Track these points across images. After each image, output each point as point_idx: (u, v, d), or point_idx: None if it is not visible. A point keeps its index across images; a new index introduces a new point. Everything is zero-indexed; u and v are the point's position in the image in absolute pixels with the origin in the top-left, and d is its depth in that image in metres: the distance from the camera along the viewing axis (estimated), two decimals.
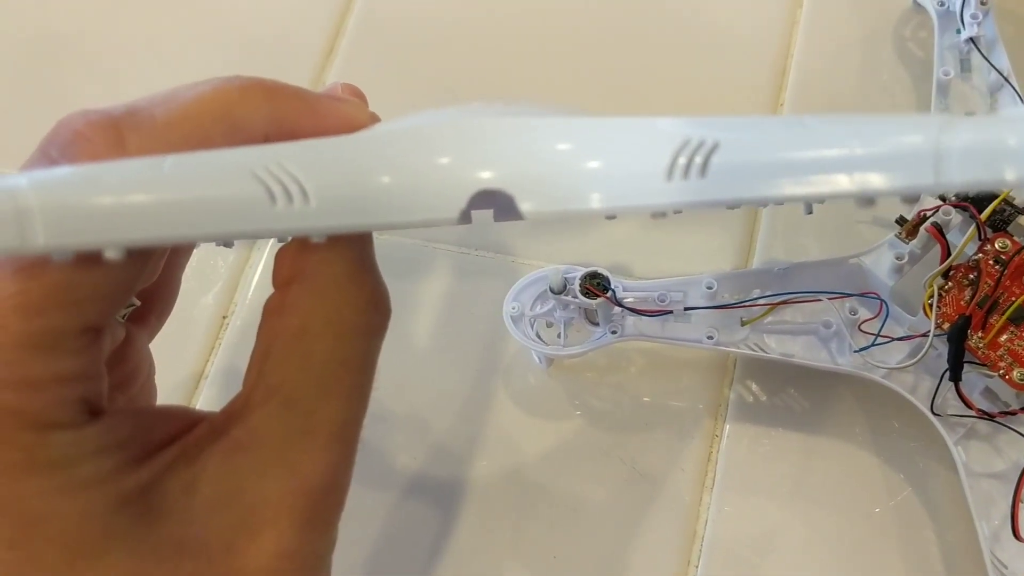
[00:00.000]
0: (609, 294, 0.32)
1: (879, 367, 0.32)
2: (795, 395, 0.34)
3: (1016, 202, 0.33)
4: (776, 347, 0.33)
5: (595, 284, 0.32)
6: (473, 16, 0.43)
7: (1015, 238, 0.33)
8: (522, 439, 0.35)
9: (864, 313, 0.33)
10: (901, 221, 0.34)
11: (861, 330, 0.33)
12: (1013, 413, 0.32)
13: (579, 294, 0.32)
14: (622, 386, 0.35)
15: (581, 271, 0.33)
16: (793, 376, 0.35)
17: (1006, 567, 0.30)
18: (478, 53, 0.42)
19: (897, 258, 0.33)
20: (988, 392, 0.32)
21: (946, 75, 0.37)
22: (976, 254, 0.33)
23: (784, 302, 0.33)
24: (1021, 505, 0.30)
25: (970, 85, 0.37)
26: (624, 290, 0.33)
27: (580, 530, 0.33)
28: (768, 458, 0.34)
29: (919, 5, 0.40)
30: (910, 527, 0.32)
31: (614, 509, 0.33)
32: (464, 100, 0.22)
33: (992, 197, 0.33)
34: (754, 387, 0.35)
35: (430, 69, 0.42)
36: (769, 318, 0.34)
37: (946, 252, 0.32)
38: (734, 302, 0.33)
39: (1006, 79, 0.36)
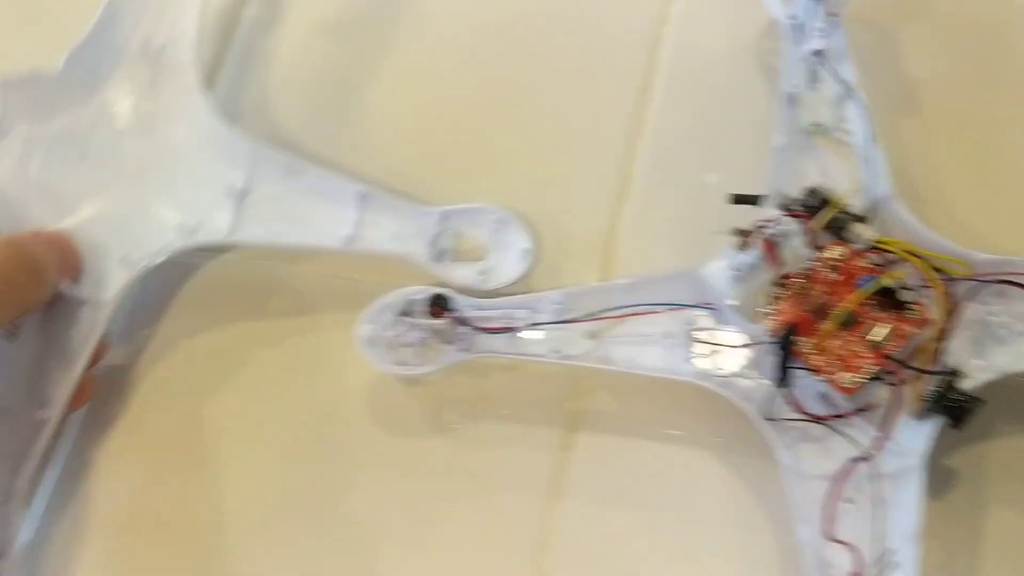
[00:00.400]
0: (455, 314, 0.34)
1: (716, 375, 0.33)
2: (645, 405, 0.35)
3: (852, 210, 0.34)
4: (622, 359, 0.34)
5: (440, 305, 0.34)
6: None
7: (851, 245, 0.34)
8: (384, 460, 0.36)
9: (705, 323, 0.34)
10: (739, 232, 0.35)
11: (700, 340, 0.34)
12: (843, 416, 0.32)
13: (424, 316, 0.34)
14: (482, 401, 0.36)
15: (430, 292, 0.34)
16: (644, 387, 0.35)
17: (832, 566, 0.31)
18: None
19: (734, 268, 0.34)
20: (823, 396, 0.33)
21: (795, 88, 0.38)
22: (811, 261, 0.34)
23: (625, 315, 0.34)
24: (844, 506, 0.31)
25: (820, 97, 0.38)
26: (473, 308, 0.34)
27: (433, 547, 0.34)
28: (618, 468, 0.35)
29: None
30: (750, 531, 0.33)
31: (468, 524, 0.34)
32: None
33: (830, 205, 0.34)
34: (606, 398, 0.36)
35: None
36: (615, 331, 0.35)
37: (777, 262, 0.33)
38: (578, 317, 0.35)
39: (851, 92, 0.37)
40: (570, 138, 0.41)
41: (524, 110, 0.42)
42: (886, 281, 0.32)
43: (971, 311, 0.33)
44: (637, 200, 0.40)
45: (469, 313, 0.34)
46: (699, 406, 0.35)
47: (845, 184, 0.36)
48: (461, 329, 0.34)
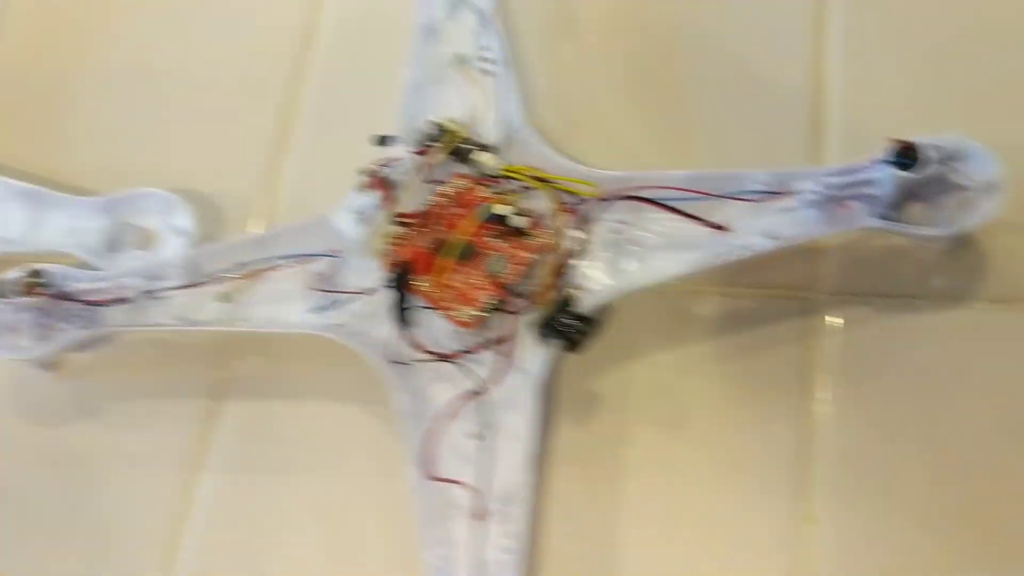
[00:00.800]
0: (52, 290, 0.32)
1: (345, 326, 0.32)
2: (293, 364, 0.34)
3: (478, 139, 0.33)
4: (258, 318, 0.33)
5: (36, 282, 0.32)
6: None
7: (477, 176, 0.33)
8: (26, 449, 0.34)
9: (336, 272, 0.33)
10: (362, 174, 0.33)
11: (332, 290, 0.33)
12: (471, 351, 0.31)
13: (19, 295, 0.32)
14: (130, 380, 0.34)
15: (27, 269, 0.32)
16: (292, 346, 0.34)
17: (455, 507, 0.29)
18: None
19: (357, 212, 0.33)
20: (458, 333, 0.32)
21: (431, 19, 0.36)
22: (433, 197, 0.32)
23: (249, 274, 0.33)
24: (472, 442, 0.30)
25: (461, 27, 0.36)
26: (79, 281, 0.32)
27: (76, 535, 0.33)
28: (265, 432, 0.33)
29: None
30: (396, 480, 0.32)
31: (110, 507, 0.33)
32: None
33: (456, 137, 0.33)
34: (256, 362, 0.34)
35: None
36: (251, 290, 0.33)
37: (391, 200, 0.32)
38: (202, 280, 0.33)
39: (486, 19, 0.36)
40: (231, 93, 0.39)
41: (184, 76, 0.40)
42: (499, 208, 0.31)
43: (605, 230, 0.32)
44: (299, 152, 0.38)
45: (71, 287, 0.32)
46: (345, 359, 0.33)
47: (486, 115, 0.34)
48: (71, 305, 0.32)
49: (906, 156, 0.28)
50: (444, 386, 0.31)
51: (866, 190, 0.30)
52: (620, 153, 0.36)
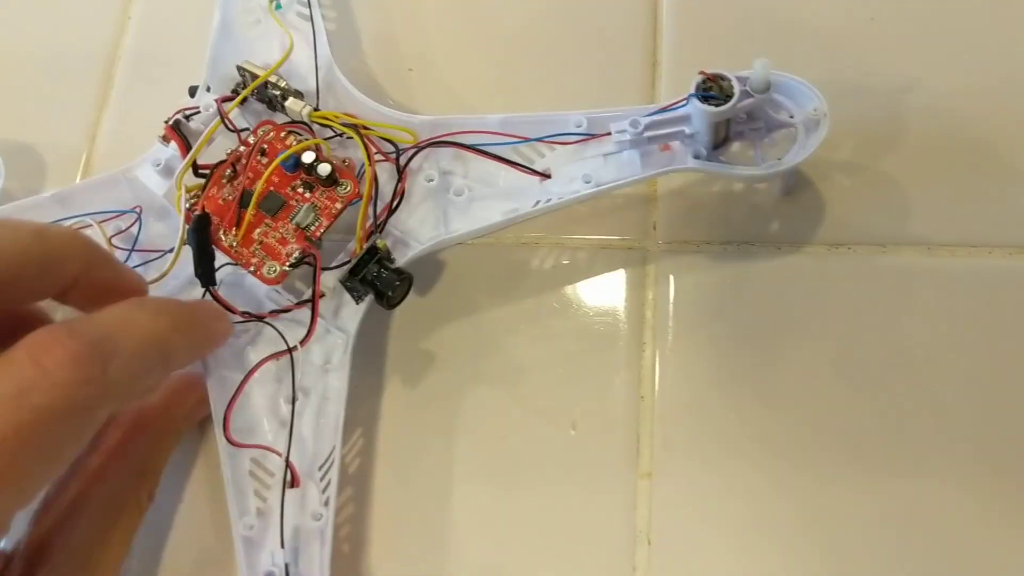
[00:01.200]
0: None
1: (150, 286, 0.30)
2: None
3: (287, 85, 0.31)
4: None
5: None
6: None
7: (282, 123, 0.31)
8: None
9: (143, 228, 0.31)
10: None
11: (133, 248, 0.31)
12: (287, 311, 0.30)
13: None
14: None
15: None
16: None
17: (272, 475, 0.28)
18: None
19: (156, 163, 0.31)
20: (274, 291, 0.30)
21: None
22: (239, 147, 0.31)
23: None
24: (287, 406, 0.28)
25: None
26: None
27: None
28: None
29: None
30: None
31: None
32: None
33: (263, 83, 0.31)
34: None
35: None
36: None
37: (183, 149, 0.30)
38: None
39: None
40: (52, 50, 0.38)
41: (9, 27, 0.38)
42: (305, 156, 0.29)
43: (423, 178, 0.31)
44: (117, 107, 0.36)
45: None
46: None
47: (302, 61, 0.33)
48: None
49: (712, 90, 0.27)
50: (264, 348, 0.29)
51: (683, 128, 0.29)
52: (455, 100, 0.35)
